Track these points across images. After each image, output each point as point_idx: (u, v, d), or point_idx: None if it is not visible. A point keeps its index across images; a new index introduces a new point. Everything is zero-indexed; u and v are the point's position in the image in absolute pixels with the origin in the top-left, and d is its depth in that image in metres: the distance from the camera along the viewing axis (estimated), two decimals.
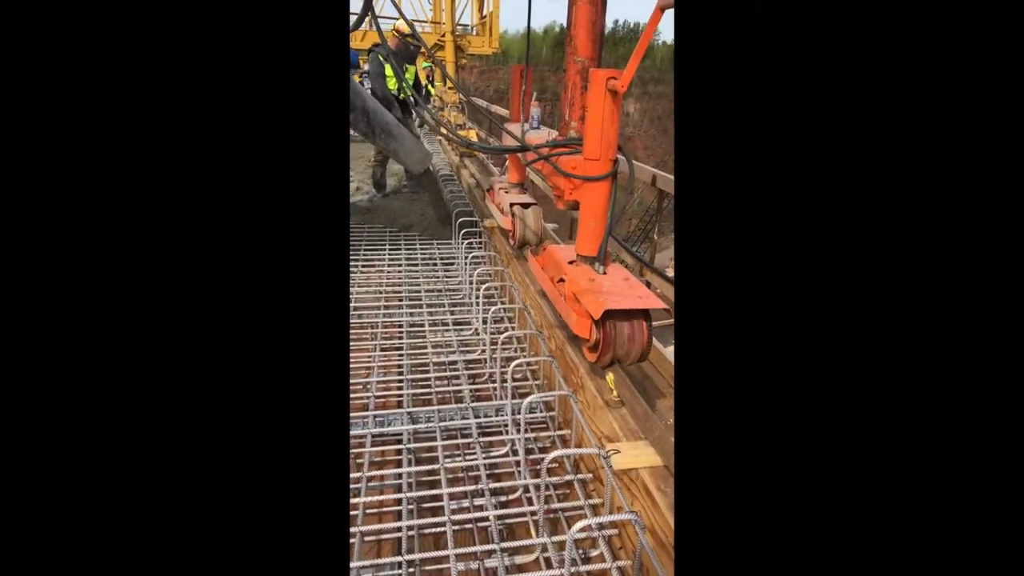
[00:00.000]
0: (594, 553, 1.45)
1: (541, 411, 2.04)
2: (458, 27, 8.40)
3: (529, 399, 1.54)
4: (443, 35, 7.73)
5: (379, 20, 2.28)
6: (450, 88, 7.27)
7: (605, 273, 1.88)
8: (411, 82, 4.78)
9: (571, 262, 2.02)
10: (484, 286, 2.49)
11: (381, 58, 4.43)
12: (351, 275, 3.22)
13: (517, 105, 2.94)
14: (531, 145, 2.22)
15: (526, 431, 1.96)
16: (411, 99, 4.20)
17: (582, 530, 1.42)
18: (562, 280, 2.03)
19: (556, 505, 1.59)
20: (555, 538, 1.45)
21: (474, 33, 9.27)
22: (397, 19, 7.16)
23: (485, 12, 8.99)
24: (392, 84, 4.57)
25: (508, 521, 1.60)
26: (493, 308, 2.31)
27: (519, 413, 1.82)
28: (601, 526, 1.43)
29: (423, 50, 4.57)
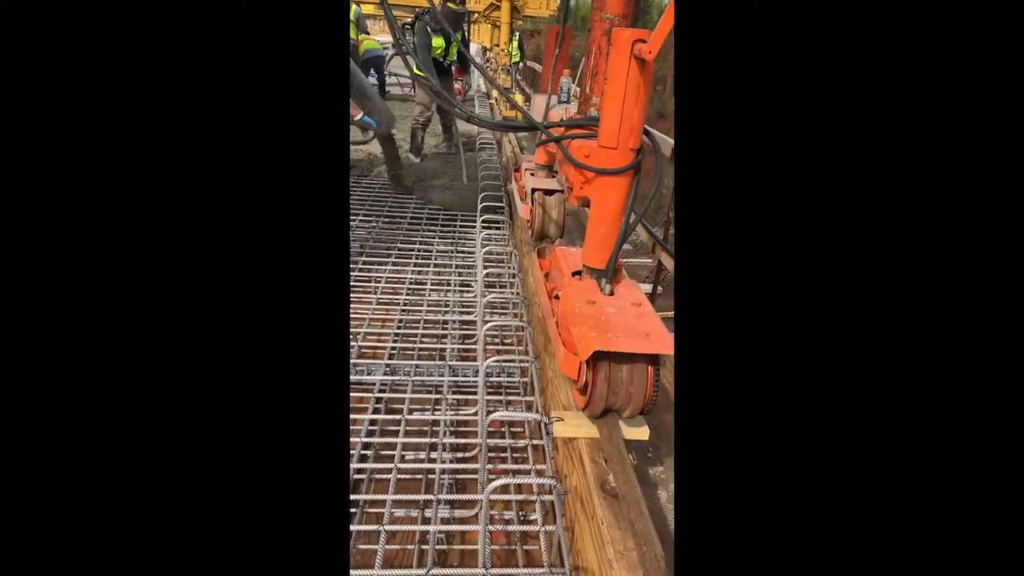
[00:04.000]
0: (532, 516, 1.47)
1: (518, 376, 2.05)
2: None
3: (487, 362, 1.55)
4: None
5: None
6: (501, 51, 7.17)
7: (612, 294, 1.52)
8: (456, 50, 4.69)
9: (576, 273, 1.63)
10: (484, 249, 2.49)
11: (429, 29, 4.37)
12: (369, 230, 3.29)
13: (549, 73, 2.62)
14: (540, 124, 1.82)
15: (500, 394, 1.99)
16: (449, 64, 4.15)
17: (502, 491, 1.44)
18: (559, 296, 1.66)
19: (507, 466, 1.62)
20: (495, 496, 1.47)
21: None
22: None
23: None
24: (437, 53, 4.52)
25: (460, 477, 1.64)
26: (486, 271, 2.31)
27: (489, 375, 1.84)
28: (541, 489, 1.45)
29: (473, 17, 4.48)
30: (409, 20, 4.60)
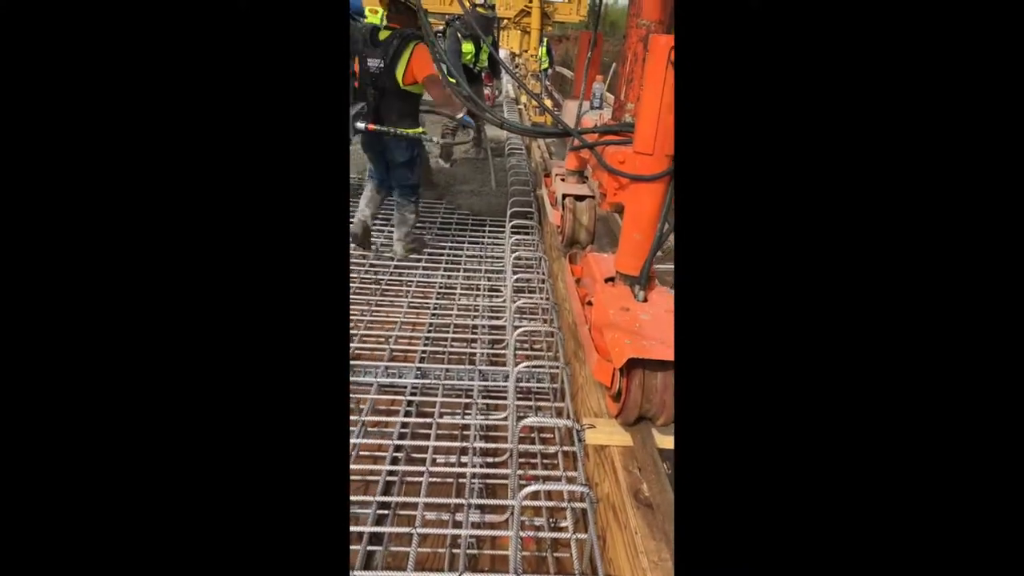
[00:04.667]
0: (563, 523, 1.47)
1: (548, 382, 2.04)
2: None
3: (519, 367, 1.55)
4: (530, 1, 7.64)
5: None
6: (531, 57, 7.21)
7: (646, 300, 1.50)
8: (486, 55, 4.72)
9: (609, 279, 1.62)
10: (514, 254, 2.50)
11: (459, 35, 4.43)
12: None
13: (581, 79, 2.74)
14: (573, 130, 1.82)
15: (529, 399, 1.99)
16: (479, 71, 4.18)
17: (532, 496, 1.43)
18: (591, 303, 1.65)
19: (537, 472, 1.61)
20: (525, 503, 1.47)
21: (565, 0, 9.08)
22: None
23: None
24: (468, 59, 4.57)
25: (490, 482, 1.64)
26: (516, 276, 2.31)
27: (519, 380, 1.84)
28: (572, 497, 1.44)
29: (502, 23, 4.53)
30: (441, 27, 4.66)
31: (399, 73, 2.52)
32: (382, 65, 2.53)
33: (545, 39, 8.07)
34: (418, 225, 3.12)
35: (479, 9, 4.38)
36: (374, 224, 3.06)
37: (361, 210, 2.92)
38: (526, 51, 8.53)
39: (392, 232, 3.08)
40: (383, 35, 2.56)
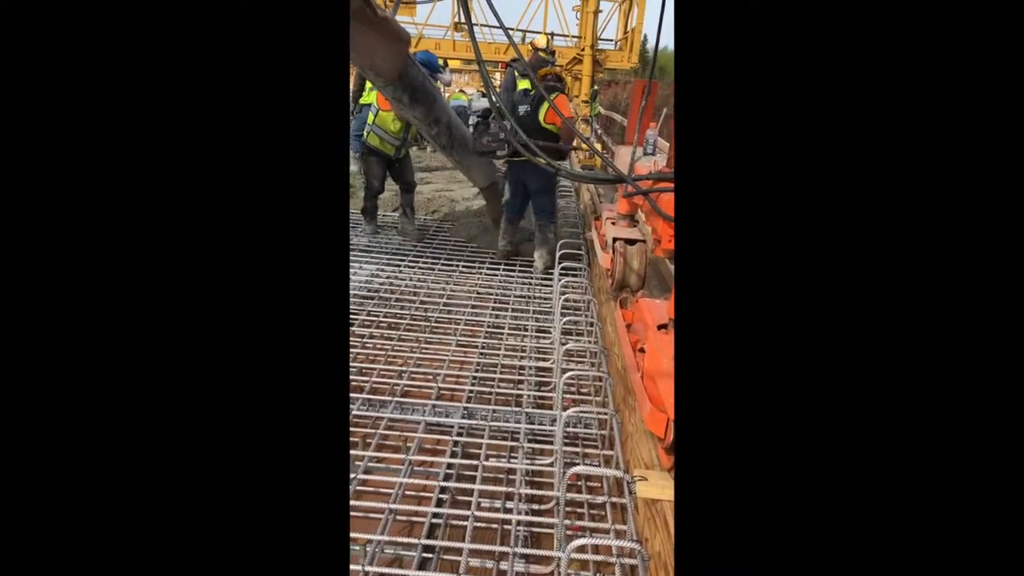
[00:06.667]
0: None
1: (596, 428, 2.00)
2: (600, 42, 8.48)
3: (567, 412, 1.53)
4: (582, 49, 7.87)
5: (511, 33, 2.28)
6: (583, 102, 7.36)
7: None
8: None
9: (662, 326, 1.57)
10: (564, 296, 2.50)
11: (517, 73, 4.62)
12: (450, 274, 3.40)
13: (635, 126, 2.78)
14: (628, 177, 1.82)
15: (576, 445, 1.95)
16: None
17: (581, 550, 1.38)
18: (643, 350, 1.61)
19: (584, 523, 1.56)
20: (575, 555, 1.42)
21: (617, 48, 9.26)
22: (539, 33, 7.52)
23: (629, 27, 8.97)
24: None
25: (535, 530, 1.60)
26: (566, 319, 2.30)
27: (567, 425, 1.81)
28: (621, 552, 1.39)
29: (555, 66, 4.72)
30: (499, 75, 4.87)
31: (541, 115, 3.41)
32: (528, 109, 3.46)
33: (595, 86, 8.26)
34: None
35: (540, 54, 4.56)
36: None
37: (501, 239, 3.81)
38: (576, 96, 8.74)
39: (444, 267, 3.14)
40: (532, 91, 3.59)
